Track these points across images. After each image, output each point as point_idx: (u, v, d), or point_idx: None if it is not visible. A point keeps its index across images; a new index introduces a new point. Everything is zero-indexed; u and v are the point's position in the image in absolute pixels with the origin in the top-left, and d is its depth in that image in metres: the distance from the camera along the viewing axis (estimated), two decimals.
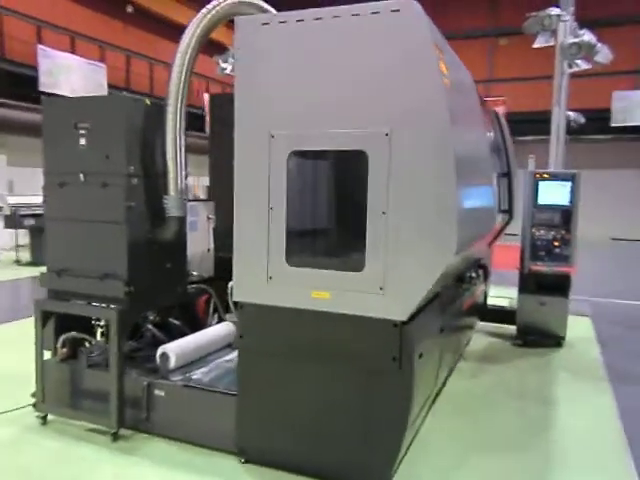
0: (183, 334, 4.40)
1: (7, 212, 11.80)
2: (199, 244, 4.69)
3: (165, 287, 4.13)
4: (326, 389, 3.32)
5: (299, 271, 3.32)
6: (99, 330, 4.29)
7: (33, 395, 4.30)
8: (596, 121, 15.66)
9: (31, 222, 11.63)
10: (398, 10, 2.97)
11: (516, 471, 3.65)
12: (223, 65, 10.47)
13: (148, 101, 3.89)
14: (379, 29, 3.02)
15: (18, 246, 12.49)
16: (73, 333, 4.16)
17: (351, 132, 3.13)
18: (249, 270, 3.43)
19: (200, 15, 3.93)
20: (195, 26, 3.85)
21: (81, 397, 4.05)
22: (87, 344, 4.21)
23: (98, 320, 4.28)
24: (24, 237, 12.73)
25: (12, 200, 12.03)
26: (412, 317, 3.14)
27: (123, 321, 3.77)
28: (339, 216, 3.52)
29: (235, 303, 3.54)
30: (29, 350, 4.12)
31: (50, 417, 4.13)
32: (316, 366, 3.33)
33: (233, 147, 3.38)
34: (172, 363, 3.89)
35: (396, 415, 3.19)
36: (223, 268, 4.90)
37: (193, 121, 6.80)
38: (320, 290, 3.27)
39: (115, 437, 3.80)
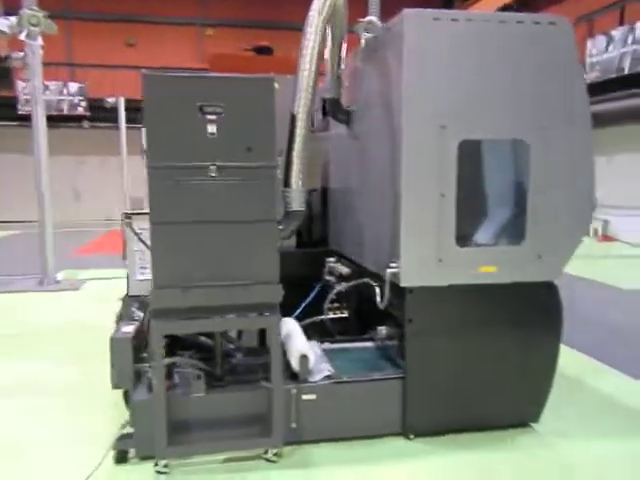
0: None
1: None
2: None
3: None
4: (490, 350, 3.78)
5: (468, 250, 3.66)
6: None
7: (115, 447, 3.45)
8: None
9: None
10: (554, 23, 3.58)
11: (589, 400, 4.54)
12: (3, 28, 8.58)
13: (277, 84, 3.50)
14: (539, 36, 3.56)
15: None
16: (172, 358, 3.50)
17: (513, 125, 3.61)
18: (419, 255, 3.58)
19: None
20: (322, 3, 3.59)
21: (207, 426, 3.47)
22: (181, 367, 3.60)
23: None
24: None
25: None
26: None
27: None
28: (500, 198, 3.91)
29: (394, 288, 3.64)
30: None
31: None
32: (482, 333, 3.76)
33: None
34: (311, 364, 3.69)
35: (548, 360, 3.88)
36: None
37: None
38: (488, 265, 3.68)
39: (278, 455, 3.46)
